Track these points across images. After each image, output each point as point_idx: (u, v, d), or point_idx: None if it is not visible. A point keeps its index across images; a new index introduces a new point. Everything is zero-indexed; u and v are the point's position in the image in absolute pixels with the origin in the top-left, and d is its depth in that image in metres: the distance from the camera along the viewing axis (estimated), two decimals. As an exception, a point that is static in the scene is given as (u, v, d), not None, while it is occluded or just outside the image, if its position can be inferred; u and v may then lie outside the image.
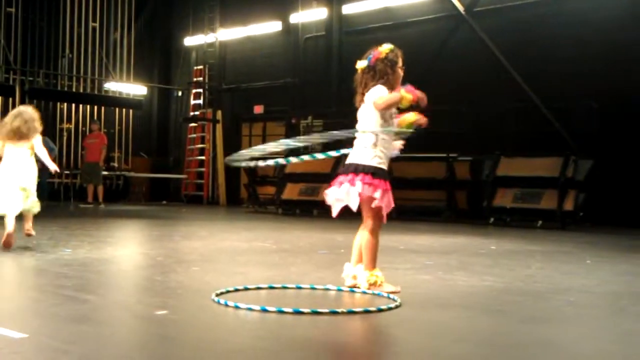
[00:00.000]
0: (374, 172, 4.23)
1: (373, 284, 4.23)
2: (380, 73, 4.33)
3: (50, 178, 15.69)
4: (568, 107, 12.89)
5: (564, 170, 11.53)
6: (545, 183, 11.75)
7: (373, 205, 4.23)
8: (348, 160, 4.36)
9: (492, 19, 14.42)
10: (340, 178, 4.30)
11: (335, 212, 4.35)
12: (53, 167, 6.66)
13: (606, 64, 12.71)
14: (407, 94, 4.14)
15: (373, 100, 4.25)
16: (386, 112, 4.31)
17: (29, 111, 6.49)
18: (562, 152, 11.91)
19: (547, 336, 3.25)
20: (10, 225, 6.03)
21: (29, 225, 6.40)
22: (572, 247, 8.02)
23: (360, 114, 4.42)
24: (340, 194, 4.26)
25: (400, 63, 4.43)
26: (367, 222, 4.34)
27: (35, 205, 6.41)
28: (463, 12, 14.61)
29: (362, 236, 4.37)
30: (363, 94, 4.37)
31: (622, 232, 10.61)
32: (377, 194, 4.21)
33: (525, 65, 13.55)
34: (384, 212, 4.28)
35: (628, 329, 3.46)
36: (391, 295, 4.00)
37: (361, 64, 4.41)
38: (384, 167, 4.32)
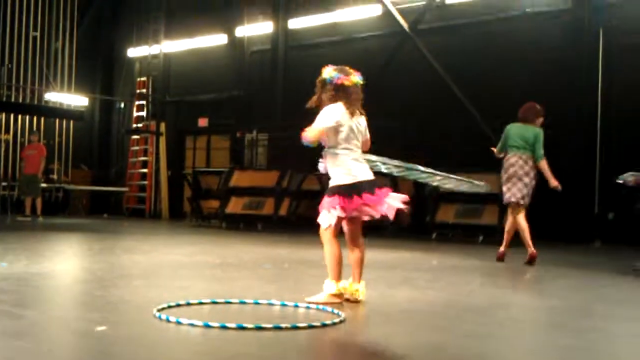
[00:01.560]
0: None
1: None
2: None
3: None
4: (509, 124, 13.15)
5: (505, 187, 11.72)
6: (486, 199, 11.94)
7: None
8: (364, 177, 4.44)
9: (436, 36, 14.65)
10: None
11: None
12: None
13: (547, 83, 13.02)
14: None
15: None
16: None
17: None
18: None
19: (489, 351, 3.29)
20: None
21: None
22: (512, 263, 8.14)
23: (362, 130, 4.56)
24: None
25: None
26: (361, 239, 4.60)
27: None
28: (407, 30, 14.81)
29: (358, 253, 4.56)
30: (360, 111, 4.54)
31: (560, 249, 10.84)
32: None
33: (468, 82, 13.80)
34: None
35: (568, 344, 3.52)
36: (335, 310, 4.00)
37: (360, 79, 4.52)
38: None
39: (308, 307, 4.19)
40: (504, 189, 8.15)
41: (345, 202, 4.33)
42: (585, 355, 3.30)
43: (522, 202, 8.06)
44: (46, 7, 19.79)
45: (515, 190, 8.05)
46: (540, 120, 8.31)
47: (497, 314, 4.37)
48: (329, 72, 4.51)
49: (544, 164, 8.08)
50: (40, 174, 15.73)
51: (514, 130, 8.31)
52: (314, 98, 4.55)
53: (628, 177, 7.82)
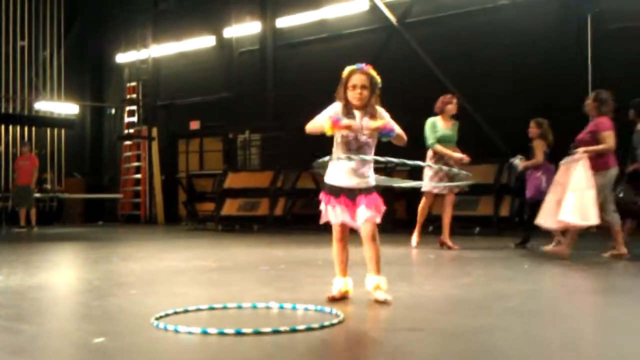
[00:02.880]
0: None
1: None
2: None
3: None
4: (501, 115, 13.16)
5: (499, 177, 11.74)
6: (481, 190, 11.93)
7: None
8: None
9: (424, 29, 14.63)
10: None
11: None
12: None
13: (538, 71, 13.03)
14: (327, 121, 4.27)
15: None
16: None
17: None
18: (496, 159, 12.13)
19: (490, 343, 3.28)
20: None
21: None
22: (509, 253, 8.16)
23: None
24: None
25: (349, 83, 4.48)
26: None
27: None
28: (396, 24, 14.80)
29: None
30: None
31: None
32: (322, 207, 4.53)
33: (458, 74, 13.78)
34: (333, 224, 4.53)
35: (570, 332, 3.51)
36: (334, 311, 3.98)
37: None
38: (332, 182, 4.51)
39: (306, 309, 4.17)
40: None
41: None
42: (586, 343, 3.30)
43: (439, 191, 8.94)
44: (32, 15, 19.73)
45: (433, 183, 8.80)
46: (449, 107, 9.22)
47: (497, 306, 4.37)
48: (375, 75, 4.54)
49: (438, 149, 8.89)
50: (33, 184, 15.69)
51: None
52: (365, 95, 4.46)
53: (516, 161, 8.73)
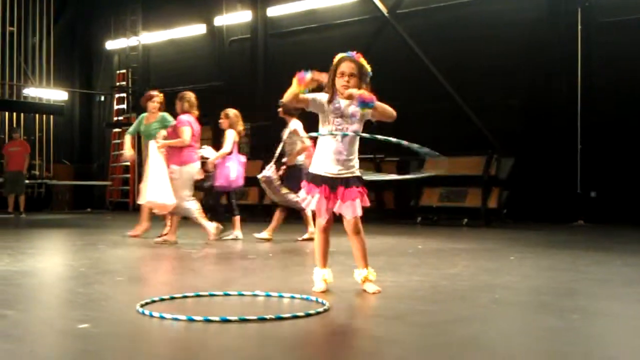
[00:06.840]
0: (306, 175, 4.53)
1: None
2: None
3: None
4: (490, 106, 13.19)
5: (487, 169, 11.79)
6: (469, 181, 11.98)
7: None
8: None
9: (415, 20, 14.63)
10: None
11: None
12: None
13: (527, 64, 13.06)
14: (294, 81, 4.24)
15: None
16: (323, 113, 4.42)
17: None
18: (485, 151, 12.16)
19: (473, 334, 3.29)
20: None
21: None
22: (496, 244, 8.18)
23: None
24: None
25: (338, 70, 4.43)
26: None
27: None
28: (386, 14, 14.77)
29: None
30: None
31: (543, 229, 10.90)
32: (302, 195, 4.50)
33: (448, 65, 13.80)
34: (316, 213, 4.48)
35: (551, 325, 3.52)
36: (320, 299, 3.98)
37: None
38: (314, 171, 4.43)
39: (292, 297, 4.17)
40: None
41: None
42: (568, 335, 3.31)
43: None
44: (22, 1, 19.58)
45: None
46: (149, 104, 9.63)
47: (482, 297, 4.38)
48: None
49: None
50: (25, 170, 15.62)
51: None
52: (352, 83, 4.42)
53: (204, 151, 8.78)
